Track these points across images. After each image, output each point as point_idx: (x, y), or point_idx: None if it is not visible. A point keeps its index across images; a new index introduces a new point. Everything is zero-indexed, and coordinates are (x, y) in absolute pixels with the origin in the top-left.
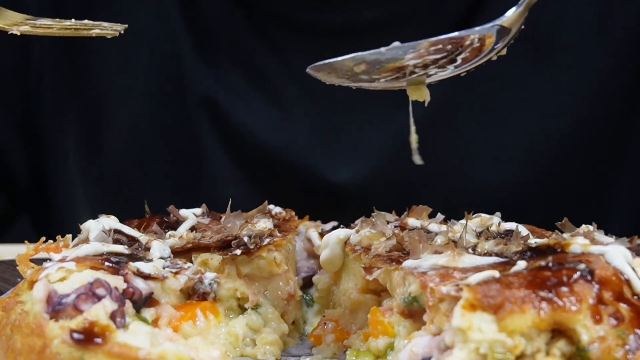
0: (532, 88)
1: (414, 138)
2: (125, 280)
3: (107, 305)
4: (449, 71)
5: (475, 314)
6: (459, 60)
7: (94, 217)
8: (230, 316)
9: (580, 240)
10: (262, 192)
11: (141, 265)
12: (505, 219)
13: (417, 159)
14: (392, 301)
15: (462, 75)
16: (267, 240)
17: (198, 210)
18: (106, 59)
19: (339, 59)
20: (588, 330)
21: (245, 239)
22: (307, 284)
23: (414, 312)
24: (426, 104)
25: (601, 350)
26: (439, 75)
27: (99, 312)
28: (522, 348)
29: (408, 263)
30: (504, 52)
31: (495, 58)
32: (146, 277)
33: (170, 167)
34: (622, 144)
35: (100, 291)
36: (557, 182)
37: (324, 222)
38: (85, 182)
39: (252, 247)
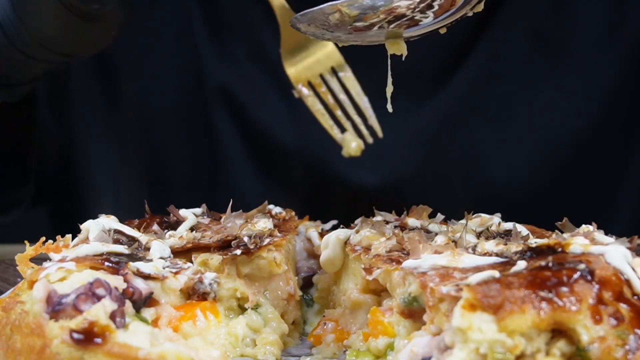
0: (545, 91)
1: (389, 90)
2: (125, 280)
3: (107, 305)
4: (430, 19)
5: (475, 314)
6: (436, 7)
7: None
8: (230, 316)
9: (580, 241)
10: (278, 186)
11: (141, 265)
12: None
13: (389, 107)
14: (392, 301)
15: (441, 31)
16: (267, 241)
17: (198, 210)
18: (129, 51)
19: (315, 8)
20: (588, 330)
21: (245, 239)
22: (307, 284)
23: (414, 312)
24: (403, 58)
25: (601, 350)
26: (420, 26)
27: (98, 312)
28: (522, 348)
29: (408, 263)
30: (480, 7)
31: (471, 14)
32: (146, 277)
33: (189, 159)
34: (631, 146)
35: (100, 291)
36: (567, 184)
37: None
38: (107, 171)
39: (252, 247)
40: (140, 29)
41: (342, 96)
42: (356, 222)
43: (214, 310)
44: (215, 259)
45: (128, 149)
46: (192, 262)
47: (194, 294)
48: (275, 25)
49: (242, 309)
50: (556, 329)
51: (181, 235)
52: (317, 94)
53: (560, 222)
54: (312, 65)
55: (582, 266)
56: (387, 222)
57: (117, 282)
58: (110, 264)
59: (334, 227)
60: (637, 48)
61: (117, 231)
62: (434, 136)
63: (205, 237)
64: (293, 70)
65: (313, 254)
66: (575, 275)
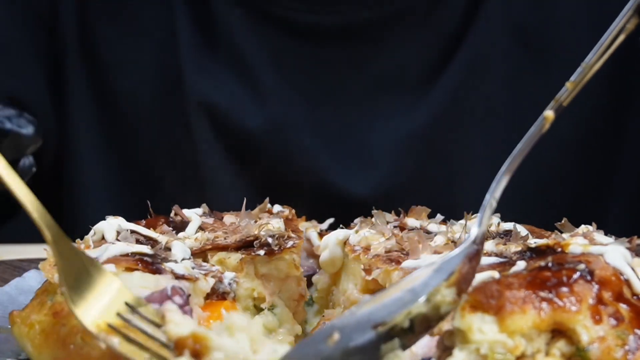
0: (532, 89)
1: None
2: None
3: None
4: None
5: (475, 315)
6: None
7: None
8: (247, 316)
9: (580, 241)
10: (264, 198)
11: (173, 266)
12: (510, 220)
13: None
14: None
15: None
16: (290, 243)
17: (199, 211)
18: (117, 54)
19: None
20: (588, 331)
21: (269, 239)
22: (306, 283)
23: None
24: None
25: (601, 350)
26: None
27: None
28: (522, 349)
29: (407, 263)
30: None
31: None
32: (180, 277)
33: (170, 169)
34: (620, 144)
35: (177, 299)
36: (558, 183)
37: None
38: (94, 180)
39: (276, 248)
40: (125, 33)
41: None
42: (355, 221)
43: (234, 309)
44: (234, 258)
45: (115, 157)
46: (207, 261)
47: (213, 294)
48: (255, 32)
49: (257, 309)
50: (556, 329)
51: (195, 236)
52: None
53: (559, 223)
54: (106, 305)
55: (581, 266)
56: (387, 222)
57: (170, 282)
58: (146, 265)
59: (332, 226)
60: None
61: (132, 232)
62: (424, 140)
63: (218, 237)
64: (87, 315)
65: (312, 254)
66: (575, 276)
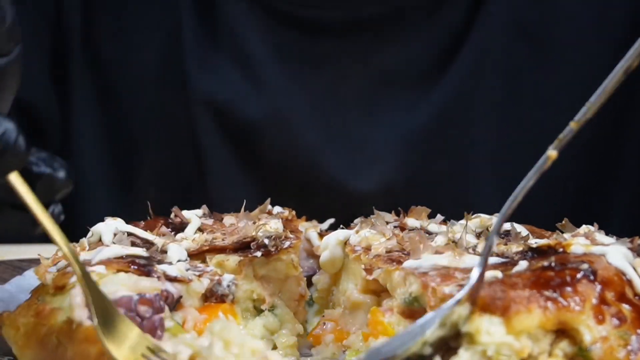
0: (534, 87)
1: None
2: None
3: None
4: None
5: (483, 317)
6: None
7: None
8: (247, 318)
9: (581, 241)
10: (267, 193)
11: (166, 268)
12: (511, 218)
13: None
14: (392, 301)
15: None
16: (287, 243)
17: (199, 212)
18: (120, 50)
19: None
20: (591, 331)
21: (266, 240)
22: (306, 284)
23: (415, 312)
24: None
25: (603, 350)
26: None
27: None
28: (529, 350)
29: (409, 263)
30: None
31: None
32: (172, 279)
33: (173, 166)
34: (622, 142)
35: (143, 309)
36: (558, 182)
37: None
38: (95, 176)
39: (272, 249)
40: (129, 28)
41: None
42: (355, 221)
43: (232, 312)
44: (232, 260)
45: (117, 149)
46: (206, 263)
47: (212, 296)
48: (258, 26)
49: (257, 311)
50: (558, 329)
51: (193, 237)
52: None
53: (560, 223)
54: (134, 344)
55: (585, 266)
56: (387, 223)
57: (153, 284)
58: (138, 267)
59: (332, 226)
60: (623, 39)
61: (129, 234)
62: (428, 136)
63: (217, 238)
64: (121, 352)
65: (312, 254)
66: (579, 275)
